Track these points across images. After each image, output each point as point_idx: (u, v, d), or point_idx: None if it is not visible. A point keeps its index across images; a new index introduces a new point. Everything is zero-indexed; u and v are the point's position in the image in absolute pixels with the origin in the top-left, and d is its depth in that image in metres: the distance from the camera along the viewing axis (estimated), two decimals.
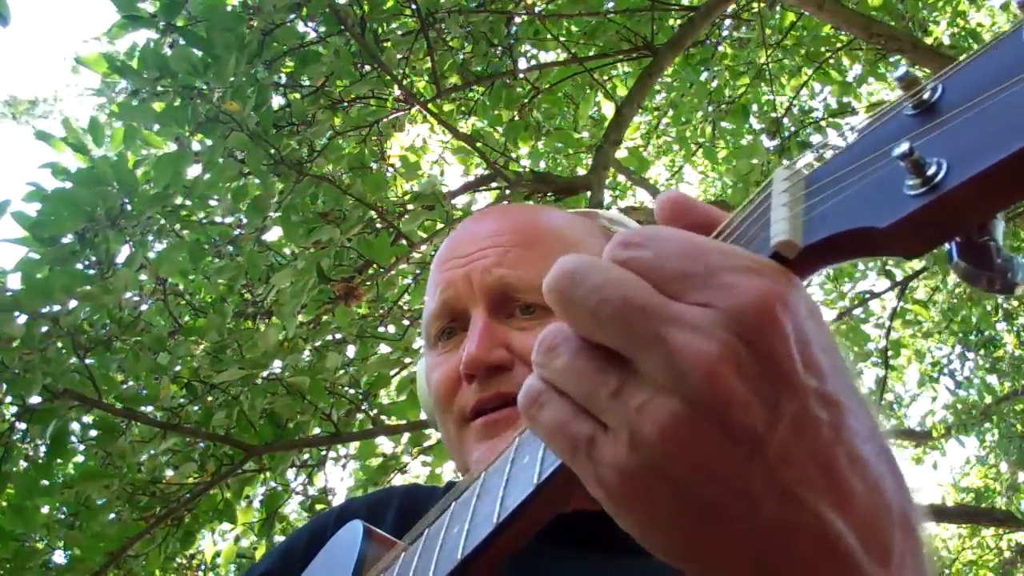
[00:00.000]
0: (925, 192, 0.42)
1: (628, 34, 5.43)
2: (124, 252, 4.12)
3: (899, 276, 7.15)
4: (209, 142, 4.22)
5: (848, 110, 6.37)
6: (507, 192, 4.96)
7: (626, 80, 6.40)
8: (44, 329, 3.76)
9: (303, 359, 4.59)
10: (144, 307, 4.47)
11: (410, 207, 4.54)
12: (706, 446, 0.44)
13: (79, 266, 3.97)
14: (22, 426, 4.00)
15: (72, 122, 4.52)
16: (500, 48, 5.24)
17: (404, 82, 4.88)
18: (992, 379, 9.16)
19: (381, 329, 4.92)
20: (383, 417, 4.81)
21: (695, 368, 0.43)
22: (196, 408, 4.35)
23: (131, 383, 4.46)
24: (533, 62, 5.80)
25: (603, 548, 0.89)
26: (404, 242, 4.57)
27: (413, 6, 4.57)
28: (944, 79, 0.45)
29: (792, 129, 6.07)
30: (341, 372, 4.76)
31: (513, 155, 5.81)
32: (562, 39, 5.68)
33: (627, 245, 0.48)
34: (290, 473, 4.96)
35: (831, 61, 6.41)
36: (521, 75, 5.47)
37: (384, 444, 5.00)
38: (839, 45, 6.32)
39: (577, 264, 0.48)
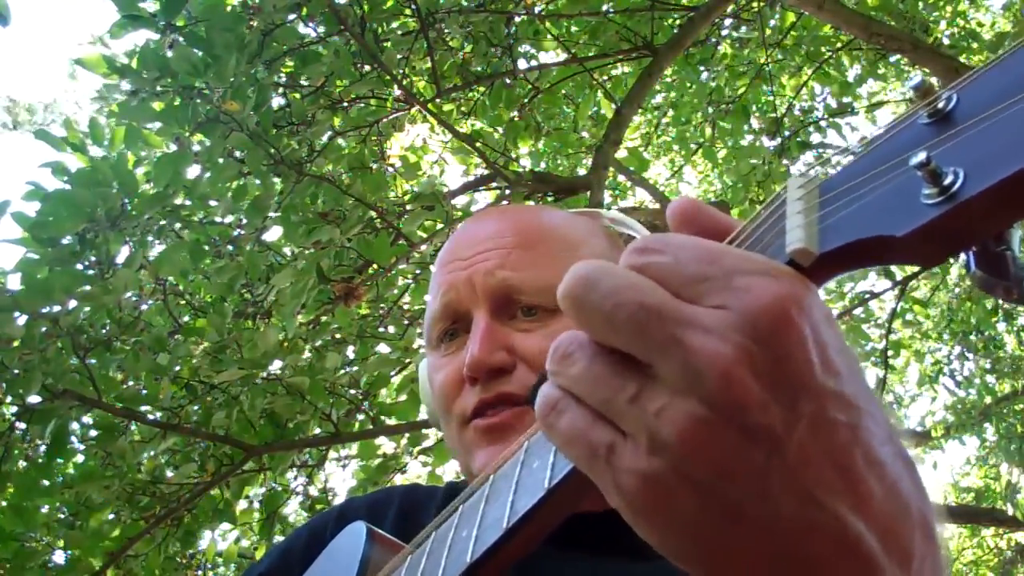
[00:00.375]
0: (942, 201, 0.42)
1: (628, 34, 5.44)
2: (124, 252, 4.13)
3: (899, 276, 7.15)
4: (209, 142, 4.21)
5: (848, 110, 6.38)
6: (507, 192, 4.96)
7: (626, 80, 6.40)
8: (44, 329, 3.76)
9: (303, 359, 4.59)
10: (144, 307, 4.47)
11: (410, 207, 4.53)
12: (725, 447, 0.44)
13: (79, 266, 3.97)
14: (22, 426, 4.00)
15: (72, 123, 4.52)
16: (500, 48, 5.23)
17: (404, 82, 4.88)
18: (992, 379, 9.18)
19: (381, 329, 4.92)
20: (383, 417, 4.82)
21: (710, 369, 0.43)
22: (196, 408, 4.35)
23: (131, 383, 4.46)
24: (533, 62, 5.80)
25: (607, 550, 0.89)
26: (404, 242, 4.57)
27: (413, 6, 4.57)
28: (959, 88, 0.46)
29: (792, 129, 6.08)
30: (341, 372, 4.76)
31: (513, 155, 5.81)
32: (562, 39, 5.68)
33: (644, 251, 0.48)
34: (290, 473, 4.96)
35: (831, 61, 6.41)
36: (521, 75, 5.47)
37: (385, 444, 5.00)
38: (839, 45, 6.33)
39: (591, 269, 0.48)
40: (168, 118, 4.15)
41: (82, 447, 4.39)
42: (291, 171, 4.19)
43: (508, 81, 5.43)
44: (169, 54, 4.02)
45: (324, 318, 4.67)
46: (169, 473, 4.45)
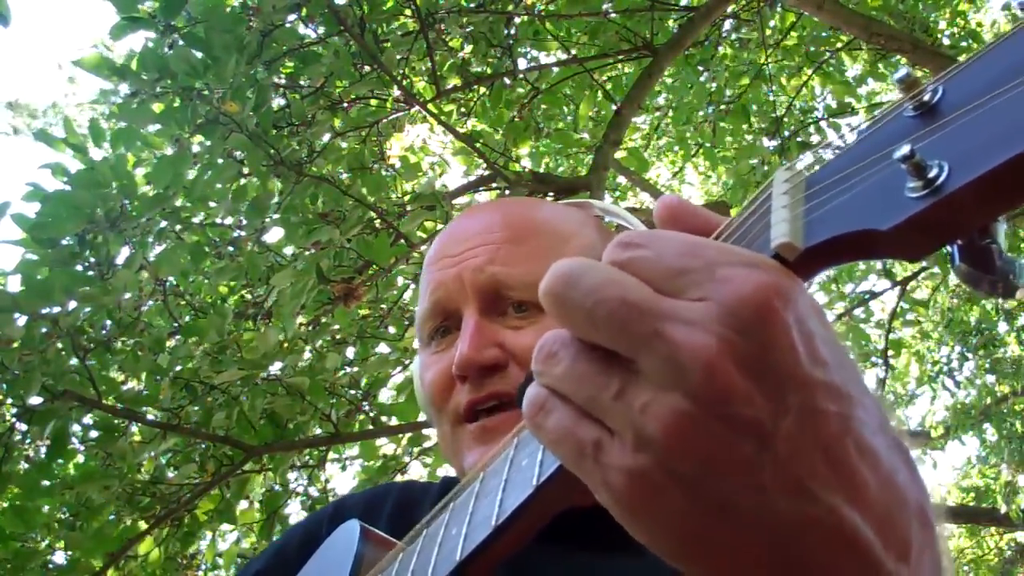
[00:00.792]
0: (926, 195, 0.42)
1: (628, 34, 5.43)
2: (124, 253, 4.12)
3: (899, 276, 7.15)
4: (209, 143, 4.21)
5: (848, 110, 6.37)
6: (507, 193, 4.95)
7: (626, 80, 6.40)
8: (44, 330, 3.76)
9: (303, 360, 4.59)
10: (144, 308, 4.47)
11: (410, 208, 4.53)
12: (711, 441, 0.43)
13: (79, 267, 3.97)
14: (22, 427, 4.00)
15: (72, 123, 4.52)
16: (500, 48, 5.23)
17: (404, 82, 4.88)
18: (992, 379, 9.17)
19: (381, 329, 4.91)
20: (383, 417, 4.81)
21: (693, 362, 0.42)
22: (196, 409, 4.35)
23: (131, 384, 4.47)
24: (533, 62, 5.80)
25: (597, 546, 0.89)
26: (404, 242, 4.56)
27: (413, 7, 4.57)
28: (945, 81, 0.45)
29: (792, 129, 6.07)
30: (341, 372, 4.76)
31: (513, 155, 5.81)
32: (562, 39, 5.68)
33: (626, 246, 0.48)
34: (291, 474, 4.95)
35: (831, 61, 6.41)
36: (521, 75, 5.47)
37: (385, 445, 5.00)
38: (839, 45, 6.32)
39: (572, 267, 0.47)
40: (168, 119, 4.15)
41: (82, 448, 4.39)
42: (291, 172, 4.19)
43: (508, 81, 5.43)
44: (168, 55, 4.02)
45: (324, 319, 4.67)
46: (169, 474, 4.45)
